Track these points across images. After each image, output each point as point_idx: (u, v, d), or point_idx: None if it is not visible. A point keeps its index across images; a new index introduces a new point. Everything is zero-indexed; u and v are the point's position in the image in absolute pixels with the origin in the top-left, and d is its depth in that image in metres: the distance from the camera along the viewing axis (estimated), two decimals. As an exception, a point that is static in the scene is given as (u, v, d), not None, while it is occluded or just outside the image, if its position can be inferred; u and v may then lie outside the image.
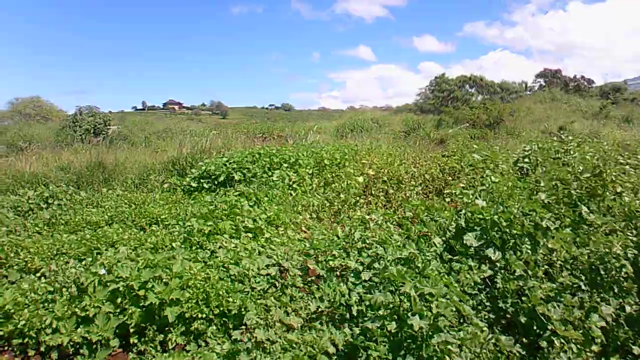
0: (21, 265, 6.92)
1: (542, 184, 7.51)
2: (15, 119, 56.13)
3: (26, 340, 4.99)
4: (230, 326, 4.99)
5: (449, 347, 3.77)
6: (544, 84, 70.35)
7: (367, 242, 5.83)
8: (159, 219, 8.79)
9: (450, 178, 11.69)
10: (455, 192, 7.29)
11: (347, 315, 4.86)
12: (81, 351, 4.72)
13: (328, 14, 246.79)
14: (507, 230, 5.55)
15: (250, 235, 7.37)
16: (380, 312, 4.28)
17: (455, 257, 5.54)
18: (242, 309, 4.93)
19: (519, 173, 10.53)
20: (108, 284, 5.01)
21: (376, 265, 5.28)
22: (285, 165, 11.74)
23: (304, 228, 8.39)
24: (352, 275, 5.39)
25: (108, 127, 33.17)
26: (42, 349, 4.85)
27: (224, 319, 4.97)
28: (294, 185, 10.92)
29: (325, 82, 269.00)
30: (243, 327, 4.68)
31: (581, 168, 7.60)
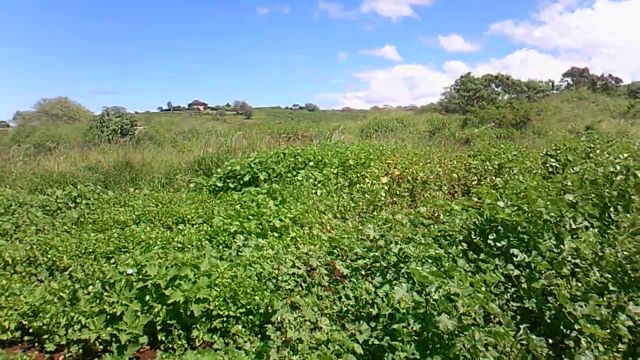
0: (50, 263, 7.05)
1: (569, 184, 7.44)
2: (43, 120, 56.99)
3: (54, 336, 5.12)
4: (257, 324, 5.04)
5: (476, 346, 3.77)
6: (571, 82, 69.54)
7: (393, 241, 5.85)
8: (185, 218, 8.87)
9: (476, 178, 11.63)
10: (481, 192, 7.27)
11: (373, 315, 4.88)
12: (109, 348, 4.81)
13: (355, 13, 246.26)
14: (533, 229, 5.53)
15: (275, 234, 7.44)
16: (406, 312, 4.29)
17: (480, 257, 5.53)
18: (269, 308, 4.98)
19: (547, 172, 10.44)
20: (136, 282, 5.09)
21: (402, 264, 5.29)
22: (310, 165, 11.79)
23: (329, 228, 8.43)
24: (377, 274, 5.41)
25: (135, 127, 33.56)
26: (69, 344, 4.96)
27: (250, 317, 5.02)
28: (319, 185, 10.95)
29: (350, 82, 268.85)
30: (269, 325, 4.73)
31: (610, 168, 7.51)
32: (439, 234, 6.23)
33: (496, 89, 65.17)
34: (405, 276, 5.15)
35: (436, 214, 7.35)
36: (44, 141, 29.30)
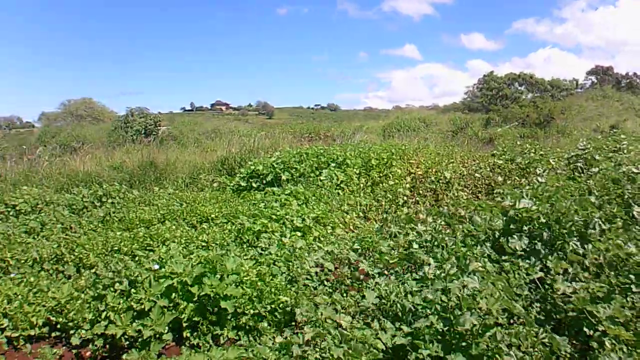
0: (77, 261, 7.16)
1: (593, 184, 7.38)
2: (68, 120, 57.68)
3: (80, 331, 5.20)
4: (282, 322, 5.08)
5: (499, 345, 3.76)
6: (595, 81, 68.59)
7: (416, 240, 5.85)
8: (209, 217, 8.94)
9: (499, 178, 11.56)
10: (504, 192, 7.24)
11: (395, 313, 4.88)
12: (135, 344, 4.87)
13: (375, 12, 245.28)
14: (556, 230, 5.49)
15: (299, 233, 7.47)
16: (429, 311, 4.29)
17: (503, 257, 5.50)
18: (294, 306, 5.02)
19: (572, 172, 10.34)
20: (162, 279, 5.15)
21: (424, 263, 5.29)
22: (333, 164, 11.78)
23: (352, 227, 8.44)
24: (400, 273, 5.42)
25: (158, 127, 33.86)
26: (95, 340, 5.04)
27: (275, 315, 5.06)
28: (342, 185, 10.96)
29: (371, 82, 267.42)
30: (294, 323, 4.76)
31: (633, 168, 7.43)
32: (463, 234, 6.22)
33: (519, 88, 64.49)
34: (430, 275, 5.16)
35: (460, 213, 7.33)
36: (70, 141, 29.69)
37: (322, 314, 4.51)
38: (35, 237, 8.76)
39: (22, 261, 7.27)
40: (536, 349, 3.84)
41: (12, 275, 6.61)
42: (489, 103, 57.51)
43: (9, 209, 11.10)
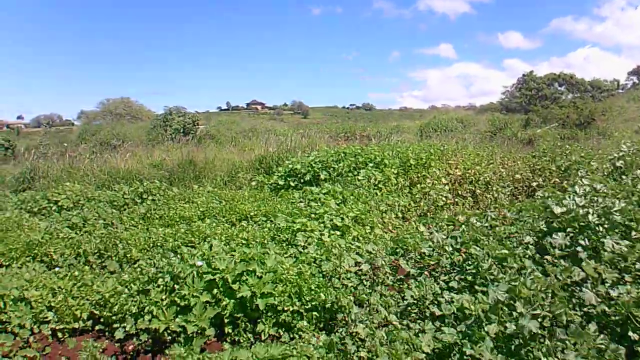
0: (119, 256, 7.28)
1: (637, 187, 7.20)
2: (107, 119, 58.70)
3: (124, 325, 5.27)
4: (322, 320, 5.07)
5: (551, 348, 3.69)
6: (637, 81, 67.16)
7: (458, 241, 5.79)
8: (248, 216, 8.99)
9: (540, 179, 11.38)
10: (546, 194, 7.11)
11: (437, 315, 4.83)
12: (178, 339, 4.92)
13: (410, 11, 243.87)
14: (599, 232, 5.37)
15: (338, 233, 7.46)
16: (473, 312, 4.24)
17: (547, 259, 5.40)
18: (334, 304, 5.00)
19: (614, 175, 10.11)
20: (204, 275, 5.20)
21: (468, 264, 5.24)
22: (371, 164, 11.73)
23: (390, 227, 8.40)
24: (443, 274, 5.37)
25: (197, 126, 34.17)
26: (138, 334, 5.10)
27: (314, 313, 5.06)
28: (380, 185, 10.91)
29: (405, 82, 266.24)
30: (335, 321, 4.75)
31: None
32: (504, 235, 6.13)
33: (559, 88, 63.50)
34: (471, 276, 5.10)
35: (502, 214, 7.23)
36: (109, 139, 30.18)
37: (365, 313, 4.49)
38: (78, 232, 8.92)
39: (66, 256, 7.42)
40: (590, 353, 3.75)
41: (56, 269, 6.75)
42: (528, 103, 56.80)
43: (52, 205, 11.35)
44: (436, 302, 4.84)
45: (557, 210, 5.80)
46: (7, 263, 7.51)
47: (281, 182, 12.43)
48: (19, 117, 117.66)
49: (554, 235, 5.53)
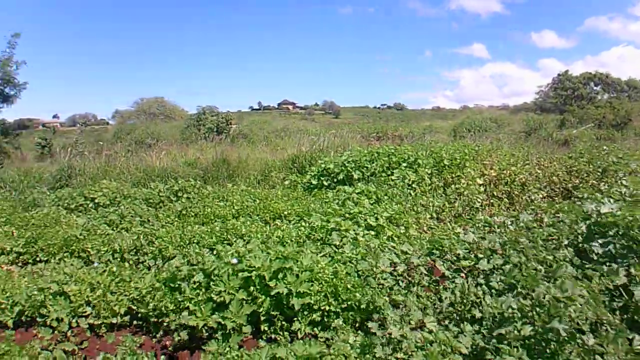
0: (156, 252, 7.36)
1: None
2: (141, 118, 59.58)
3: (161, 321, 5.33)
4: (357, 320, 5.06)
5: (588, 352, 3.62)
6: (675, 81, 65.64)
7: (494, 243, 5.72)
8: (282, 214, 9.03)
9: (577, 181, 11.19)
10: (584, 196, 6.98)
11: (475, 317, 4.78)
12: (215, 335, 4.95)
13: (443, 11, 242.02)
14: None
15: (372, 233, 7.43)
16: (511, 315, 4.19)
17: (586, 262, 5.31)
18: (369, 304, 4.99)
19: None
20: (241, 273, 5.22)
21: (506, 267, 5.17)
22: (404, 164, 11.67)
23: (425, 228, 8.34)
24: (480, 276, 5.31)
25: (230, 125, 34.42)
26: (176, 330, 5.15)
27: (350, 312, 5.04)
28: (413, 185, 10.85)
29: (437, 81, 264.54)
30: (371, 322, 4.73)
31: None
32: (542, 237, 6.03)
33: (595, 88, 62.43)
34: (509, 279, 5.04)
35: (539, 216, 7.12)
36: (144, 138, 30.58)
37: (402, 314, 4.47)
38: (115, 229, 9.06)
39: (103, 252, 7.54)
40: (628, 357, 3.68)
41: (94, 265, 6.86)
42: (563, 103, 55.98)
43: (89, 202, 11.56)
44: (473, 304, 4.79)
45: (603, 209, 5.68)
46: (46, 258, 7.69)
47: (314, 182, 12.46)
48: (54, 116, 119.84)
49: (595, 239, 5.44)
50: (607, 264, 5.13)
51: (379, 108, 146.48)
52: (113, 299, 5.63)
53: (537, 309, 3.99)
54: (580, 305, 3.89)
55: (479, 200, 9.91)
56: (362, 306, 5.01)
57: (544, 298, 4.02)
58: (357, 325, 5.04)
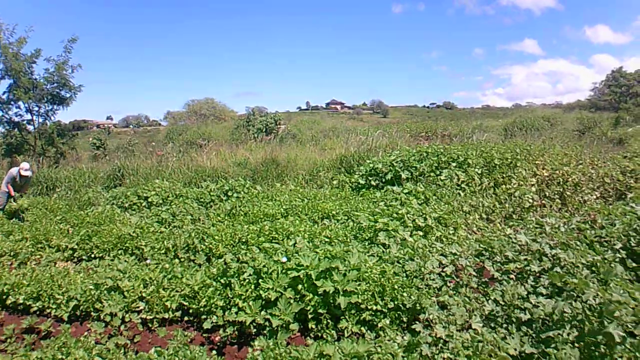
0: (207, 250, 7.50)
1: None
2: (192, 119, 60.58)
3: (211, 317, 5.42)
4: (404, 320, 5.04)
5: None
6: None
7: (546, 245, 5.62)
8: (330, 214, 9.06)
9: (632, 181, 10.87)
10: (638, 197, 6.78)
11: (523, 320, 4.71)
12: (263, 332, 5.02)
13: (493, 7, 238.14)
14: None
15: (420, 233, 7.39)
16: (560, 318, 4.12)
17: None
18: (417, 305, 4.97)
19: None
20: (289, 271, 5.28)
21: (556, 269, 5.08)
22: (454, 164, 11.55)
23: (474, 229, 8.25)
24: (530, 279, 5.22)
25: (278, 126, 34.66)
26: (225, 326, 5.24)
27: (397, 312, 5.04)
28: (463, 185, 10.74)
29: (487, 79, 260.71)
30: (417, 322, 4.71)
31: None
32: (595, 240, 5.90)
33: (651, 84, 60.40)
34: (560, 281, 4.95)
35: (592, 218, 6.96)
36: (195, 139, 31.02)
37: (448, 315, 4.44)
38: (167, 227, 9.25)
39: (156, 249, 7.71)
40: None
41: (147, 262, 7.03)
42: (618, 101, 54.34)
43: (142, 201, 11.84)
44: (522, 306, 4.72)
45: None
46: (100, 255, 7.92)
47: (362, 181, 12.46)
48: (108, 118, 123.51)
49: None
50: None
51: (427, 107, 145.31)
52: (165, 295, 5.78)
53: (587, 312, 3.92)
54: (633, 308, 3.80)
55: (530, 200, 9.72)
56: (408, 306, 5.00)
57: (594, 300, 3.94)
58: (403, 325, 5.03)
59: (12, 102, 24.92)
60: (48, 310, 5.98)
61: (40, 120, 26.11)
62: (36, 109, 25.68)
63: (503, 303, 4.88)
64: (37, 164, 21.96)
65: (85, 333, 5.23)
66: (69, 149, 27.32)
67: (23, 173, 12.15)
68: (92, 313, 5.82)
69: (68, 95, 25.76)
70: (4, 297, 6.27)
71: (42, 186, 17.66)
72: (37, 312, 6.05)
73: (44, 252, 8.26)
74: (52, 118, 26.39)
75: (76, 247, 8.29)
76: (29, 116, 25.80)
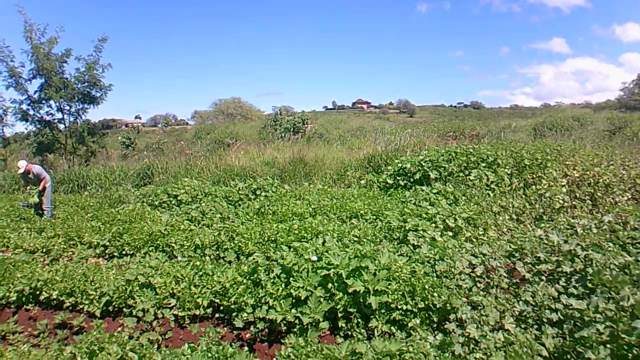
0: (236, 248, 7.56)
1: None
2: (219, 118, 60.99)
3: (242, 314, 5.46)
4: (434, 320, 5.03)
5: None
6: None
7: (578, 246, 5.56)
8: (358, 213, 9.06)
9: (663, 182, 10.68)
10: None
11: (554, 320, 4.67)
12: (293, 330, 5.04)
13: (520, 5, 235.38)
14: None
15: (450, 233, 7.37)
16: (593, 318, 4.08)
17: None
18: (447, 305, 4.95)
19: None
20: (319, 270, 5.30)
21: (589, 270, 5.02)
22: (483, 164, 11.47)
23: (505, 230, 8.18)
24: (562, 279, 5.17)
25: (305, 125, 34.68)
26: (255, 323, 5.28)
27: (428, 312, 5.02)
28: (492, 185, 10.65)
29: (514, 78, 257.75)
30: (448, 322, 4.69)
31: None
32: (627, 241, 5.82)
33: (684, 84, 59.32)
34: (591, 283, 4.90)
35: (623, 219, 6.86)
36: (223, 138, 31.19)
37: (480, 315, 4.42)
38: (197, 225, 9.34)
39: (186, 247, 7.80)
40: None
41: (178, 259, 7.11)
42: (648, 101, 53.43)
43: (172, 199, 11.97)
44: (554, 307, 4.68)
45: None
46: (132, 252, 8.03)
47: (390, 181, 12.42)
48: (136, 117, 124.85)
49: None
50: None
51: (455, 106, 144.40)
52: (197, 292, 5.84)
53: (622, 313, 3.88)
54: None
55: (560, 201, 9.60)
56: (438, 306, 4.99)
57: (626, 302, 3.90)
58: (434, 325, 5.01)
59: (43, 101, 25.39)
60: (81, 306, 6.10)
61: (71, 119, 26.59)
62: (67, 108, 26.17)
63: (534, 304, 4.84)
64: (68, 162, 22.34)
65: (119, 328, 5.32)
66: (99, 147, 27.75)
67: (19, 172, 12.46)
68: (124, 309, 5.92)
69: (98, 94, 26.21)
70: (37, 292, 6.41)
71: (74, 184, 18.00)
72: (70, 308, 6.18)
73: (75, 249, 8.41)
74: (83, 117, 26.84)
75: (108, 244, 8.44)
76: (60, 115, 26.28)
